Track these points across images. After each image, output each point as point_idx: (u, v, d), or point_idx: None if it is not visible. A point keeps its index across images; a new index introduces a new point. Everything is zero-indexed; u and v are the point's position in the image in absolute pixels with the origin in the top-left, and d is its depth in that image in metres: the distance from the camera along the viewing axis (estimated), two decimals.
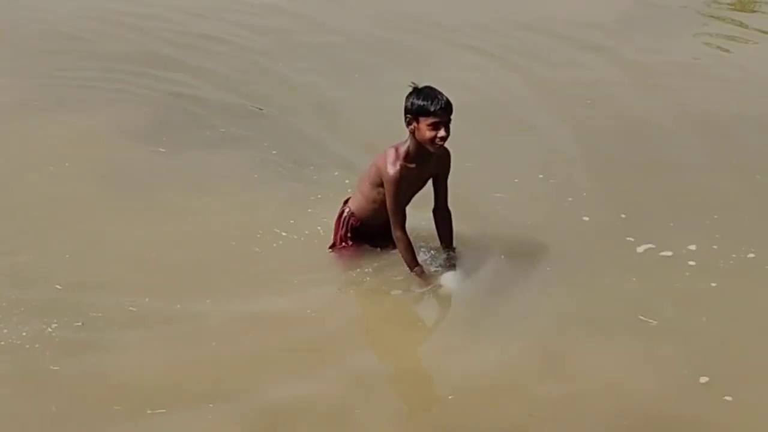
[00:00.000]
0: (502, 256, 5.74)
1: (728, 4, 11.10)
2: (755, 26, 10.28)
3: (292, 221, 6.14)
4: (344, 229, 5.65)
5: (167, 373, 4.89)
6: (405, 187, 5.34)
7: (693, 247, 5.80)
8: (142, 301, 5.40)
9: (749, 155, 7.19)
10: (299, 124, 7.65)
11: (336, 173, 6.79)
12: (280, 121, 7.71)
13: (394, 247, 5.50)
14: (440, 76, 8.29)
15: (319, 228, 6.00)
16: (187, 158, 7.04)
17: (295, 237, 5.99)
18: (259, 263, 5.78)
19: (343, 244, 5.69)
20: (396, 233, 5.39)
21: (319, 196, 6.42)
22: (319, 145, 7.33)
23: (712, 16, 10.67)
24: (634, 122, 7.75)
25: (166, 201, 6.49)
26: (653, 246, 5.87)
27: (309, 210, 6.28)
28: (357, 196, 5.61)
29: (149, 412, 4.60)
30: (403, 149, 5.31)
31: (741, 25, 10.42)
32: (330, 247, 5.73)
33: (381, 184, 5.37)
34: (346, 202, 5.70)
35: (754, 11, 10.95)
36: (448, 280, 5.48)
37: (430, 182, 5.56)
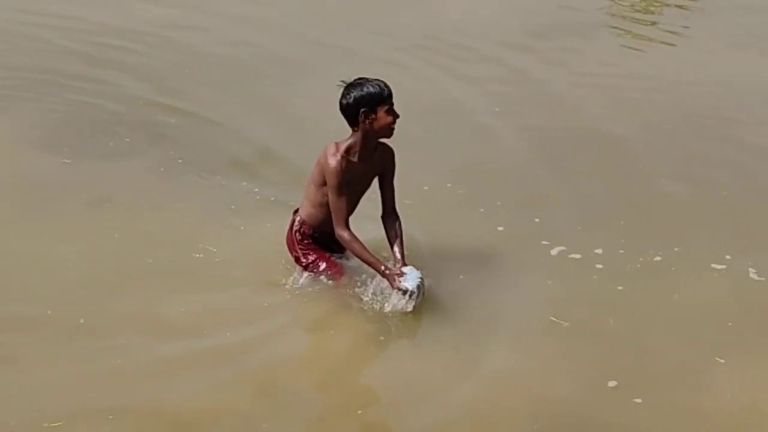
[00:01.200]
0: (417, 266, 5.69)
1: (633, 7, 11.32)
2: (666, 28, 10.51)
3: (205, 231, 6.02)
4: (299, 236, 5.43)
5: (68, 387, 4.76)
6: (348, 181, 5.13)
7: (600, 251, 5.85)
8: (44, 313, 5.25)
9: (657, 160, 7.30)
10: (207, 133, 7.52)
11: (244, 183, 6.68)
12: (187, 130, 7.55)
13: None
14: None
15: (233, 239, 5.90)
16: (91, 169, 6.85)
17: (209, 248, 5.85)
18: (166, 275, 5.65)
19: (308, 253, 5.41)
20: (340, 233, 5.17)
21: (233, 206, 6.31)
22: (227, 153, 7.19)
23: (624, 18, 10.88)
24: (548, 128, 7.80)
25: (69, 213, 6.30)
26: (564, 248, 5.93)
27: (222, 220, 6.16)
28: (304, 203, 5.41)
29: (45, 425, 4.48)
30: (344, 144, 5.15)
31: (654, 25, 10.65)
32: (296, 262, 5.46)
33: (325, 183, 5.18)
34: (295, 212, 5.49)
35: (662, 14, 11.19)
36: (410, 277, 5.21)
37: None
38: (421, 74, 8.78)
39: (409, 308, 5.16)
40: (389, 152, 5.32)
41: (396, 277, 5.14)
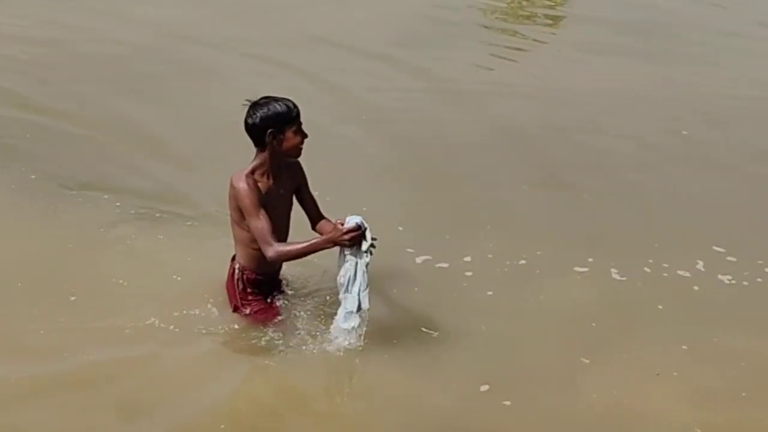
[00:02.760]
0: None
1: (503, 15, 11.50)
2: (532, 36, 10.71)
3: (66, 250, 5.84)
4: (241, 285, 5.09)
5: None
6: (265, 204, 4.84)
7: (468, 258, 5.90)
8: None
9: (520, 166, 7.44)
10: (68, 144, 7.31)
11: (106, 196, 6.51)
12: (45, 142, 7.33)
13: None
14: (232, 87, 8.35)
15: (107, 262, 5.72)
16: None
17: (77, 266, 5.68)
18: (31, 297, 5.42)
19: (250, 302, 5.12)
20: (270, 255, 4.79)
21: (102, 230, 6.09)
22: (87, 165, 7.01)
23: (492, 28, 11.05)
24: (412, 136, 7.87)
25: None
26: (430, 257, 5.95)
27: (87, 239, 5.98)
28: (237, 248, 5.07)
29: None
30: (249, 168, 4.89)
31: (517, 34, 10.83)
32: (234, 312, 5.18)
33: (244, 216, 4.88)
34: (233, 259, 5.15)
35: (529, 22, 11.39)
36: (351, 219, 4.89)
37: None
38: (288, 83, 8.72)
39: (354, 341, 4.97)
40: (296, 164, 5.09)
41: (338, 232, 4.81)
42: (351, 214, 4.90)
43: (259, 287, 5.13)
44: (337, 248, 4.89)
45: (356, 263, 4.84)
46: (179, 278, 5.55)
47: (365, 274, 4.86)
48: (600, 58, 10.09)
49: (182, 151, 7.37)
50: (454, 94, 8.89)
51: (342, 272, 4.88)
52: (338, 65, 9.41)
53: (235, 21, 10.57)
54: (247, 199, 4.80)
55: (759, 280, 5.97)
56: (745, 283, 5.94)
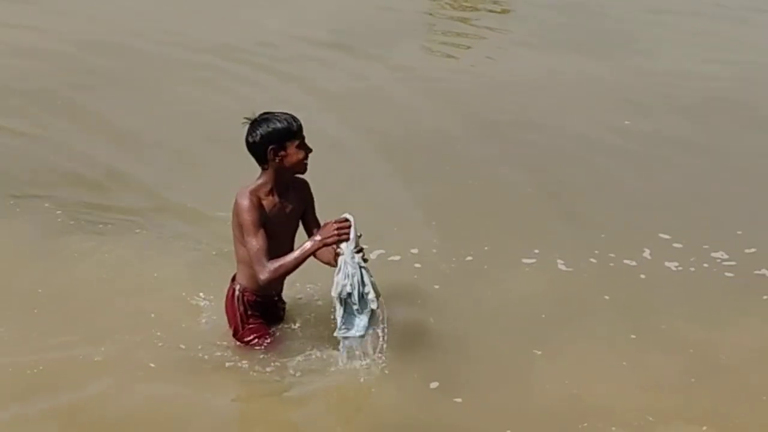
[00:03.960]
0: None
1: (449, 9, 11.52)
2: (482, 25, 10.78)
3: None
4: (242, 308, 4.93)
5: None
6: (269, 223, 4.70)
7: (415, 251, 5.88)
8: None
9: (463, 161, 7.43)
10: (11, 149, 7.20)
11: (47, 204, 6.40)
12: None
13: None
14: (185, 86, 8.39)
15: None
16: None
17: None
18: None
19: (249, 325, 4.96)
20: (263, 277, 4.64)
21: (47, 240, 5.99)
22: (33, 170, 6.92)
23: (437, 18, 11.07)
24: (360, 127, 7.84)
25: None
26: (383, 251, 5.91)
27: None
28: (239, 267, 4.90)
29: None
30: (254, 185, 4.73)
31: (463, 26, 10.88)
32: (234, 336, 5.00)
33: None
34: (233, 279, 4.99)
35: (478, 15, 11.42)
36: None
37: None
38: (242, 77, 8.79)
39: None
40: (304, 185, 4.95)
41: (326, 228, 4.66)
42: (344, 214, 4.75)
43: (259, 309, 4.98)
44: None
45: (360, 267, 4.69)
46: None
47: (368, 274, 4.73)
48: (543, 49, 10.11)
49: (137, 149, 7.35)
50: (398, 85, 8.91)
51: (343, 280, 4.69)
52: (287, 57, 9.41)
53: (185, 17, 10.50)
54: (248, 216, 4.66)
55: (705, 265, 6.01)
56: (692, 269, 5.98)
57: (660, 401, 4.85)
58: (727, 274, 5.94)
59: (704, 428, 4.64)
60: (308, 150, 4.76)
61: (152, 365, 4.95)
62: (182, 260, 5.85)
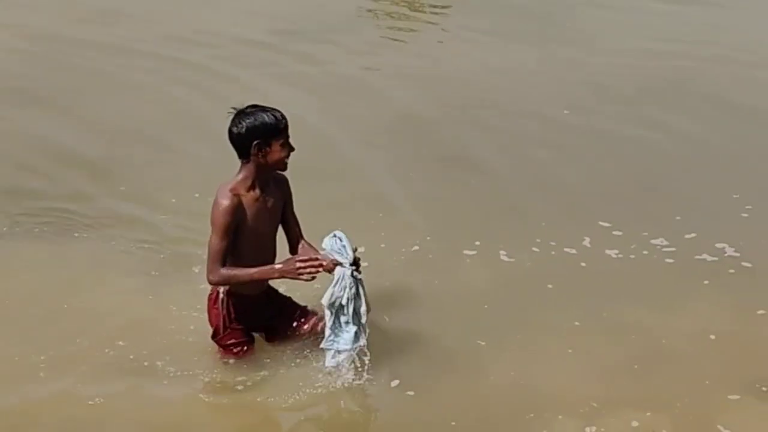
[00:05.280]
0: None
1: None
2: (422, 19, 10.86)
3: None
4: (224, 311, 4.80)
5: None
6: (246, 219, 4.59)
7: (362, 249, 5.82)
8: None
9: (408, 150, 7.44)
10: None
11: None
12: None
13: (289, 325, 4.90)
14: (128, 87, 8.32)
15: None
16: None
17: None
18: None
19: (230, 330, 4.84)
20: (212, 278, 4.58)
21: None
22: None
23: (380, 12, 11.07)
24: (307, 122, 7.73)
25: None
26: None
27: None
28: None
29: None
30: (234, 182, 4.60)
31: (407, 17, 10.90)
32: (213, 337, 4.88)
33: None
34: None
35: (417, 2, 11.43)
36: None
37: None
38: (178, 76, 8.73)
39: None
40: (284, 180, 4.84)
41: (291, 262, 4.59)
42: (333, 232, 4.74)
43: (244, 313, 4.86)
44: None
45: (357, 281, 4.63)
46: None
47: (363, 289, 4.68)
48: (489, 38, 10.16)
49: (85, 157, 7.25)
50: (343, 79, 8.91)
51: (339, 292, 4.62)
52: (230, 55, 9.37)
53: (124, 19, 10.39)
54: (221, 218, 4.55)
55: (645, 252, 6.06)
56: (632, 256, 6.02)
57: (605, 388, 4.88)
58: (667, 260, 6.00)
59: (649, 414, 4.67)
60: (291, 149, 4.63)
61: (101, 371, 4.88)
62: (136, 264, 5.81)
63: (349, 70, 9.13)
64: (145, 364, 4.90)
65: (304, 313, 4.99)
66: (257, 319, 4.91)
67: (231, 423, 4.73)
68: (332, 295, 4.60)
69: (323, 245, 4.71)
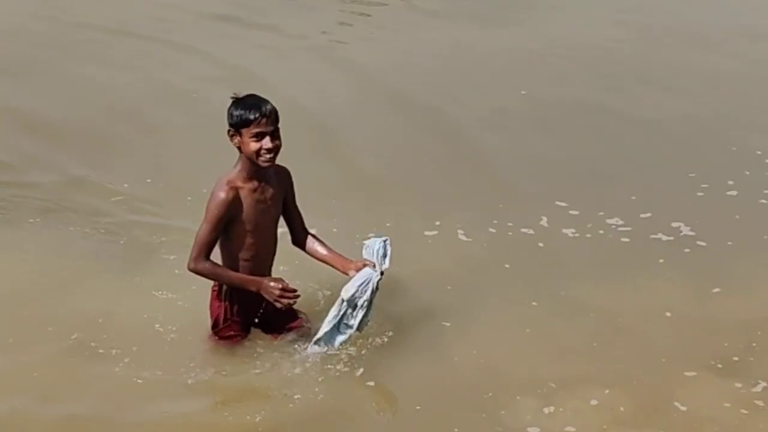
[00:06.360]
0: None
1: None
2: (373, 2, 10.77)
3: None
4: (227, 303, 4.81)
5: None
6: (241, 211, 4.60)
7: (315, 231, 5.80)
8: None
9: (366, 135, 7.42)
10: None
11: None
12: None
13: (288, 320, 4.89)
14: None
15: None
16: None
17: None
18: None
19: (229, 322, 4.84)
20: (192, 266, 4.60)
21: None
22: None
23: None
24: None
25: None
26: (282, 228, 5.76)
27: None
28: (222, 259, 4.74)
29: None
30: (234, 173, 4.63)
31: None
32: (212, 328, 4.87)
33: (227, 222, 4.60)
34: None
35: None
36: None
37: None
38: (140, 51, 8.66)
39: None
40: (285, 173, 4.84)
41: (273, 288, 4.63)
42: (374, 236, 4.85)
43: (246, 307, 4.84)
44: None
45: (375, 292, 4.69)
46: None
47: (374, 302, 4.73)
48: (438, 21, 10.16)
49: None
50: (299, 56, 8.92)
51: (361, 294, 4.66)
52: (181, 29, 9.41)
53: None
54: (215, 210, 4.57)
55: (601, 231, 6.11)
56: (589, 235, 6.08)
57: (564, 366, 4.92)
58: (623, 239, 6.06)
59: (607, 391, 4.72)
60: (272, 144, 4.55)
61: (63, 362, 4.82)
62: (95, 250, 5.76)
63: (298, 54, 9.12)
64: (113, 353, 4.85)
65: (297, 313, 5.01)
66: (256, 314, 4.90)
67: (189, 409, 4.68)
68: (355, 292, 4.64)
69: (367, 243, 4.81)
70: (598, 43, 9.48)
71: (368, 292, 4.66)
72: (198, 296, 4.99)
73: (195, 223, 4.70)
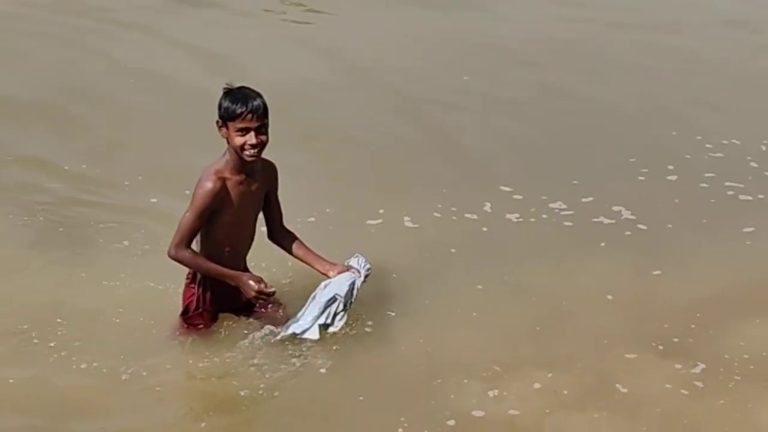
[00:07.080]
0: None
1: None
2: None
3: None
4: (200, 290, 4.81)
5: None
6: (227, 202, 4.62)
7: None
8: None
9: (311, 122, 7.37)
10: None
11: None
12: None
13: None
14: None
15: None
16: None
17: None
18: None
19: (200, 310, 4.85)
20: (172, 253, 4.60)
21: None
22: None
23: None
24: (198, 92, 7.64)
25: None
26: None
27: None
28: (200, 248, 4.75)
29: None
30: (221, 163, 4.63)
31: None
32: (182, 315, 4.88)
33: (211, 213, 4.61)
34: None
35: None
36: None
37: None
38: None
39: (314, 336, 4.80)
40: (271, 167, 4.86)
41: (252, 286, 4.67)
42: (355, 255, 5.00)
43: (219, 297, 4.86)
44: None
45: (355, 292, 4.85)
46: None
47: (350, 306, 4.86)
48: (386, 6, 10.13)
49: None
50: (255, 36, 8.93)
51: (342, 295, 4.80)
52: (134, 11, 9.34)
53: None
54: (200, 200, 4.58)
55: (544, 216, 6.18)
56: (532, 219, 6.14)
57: (508, 350, 4.98)
58: (566, 223, 6.13)
59: (550, 375, 4.77)
60: (255, 139, 4.55)
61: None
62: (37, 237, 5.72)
63: (253, 33, 9.11)
64: (66, 346, 4.81)
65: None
66: (229, 303, 4.93)
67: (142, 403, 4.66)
68: (336, 289, 4.78)
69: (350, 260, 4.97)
70: (543, 27, 9.52)
71: (348, 293, 4.81)
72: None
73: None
